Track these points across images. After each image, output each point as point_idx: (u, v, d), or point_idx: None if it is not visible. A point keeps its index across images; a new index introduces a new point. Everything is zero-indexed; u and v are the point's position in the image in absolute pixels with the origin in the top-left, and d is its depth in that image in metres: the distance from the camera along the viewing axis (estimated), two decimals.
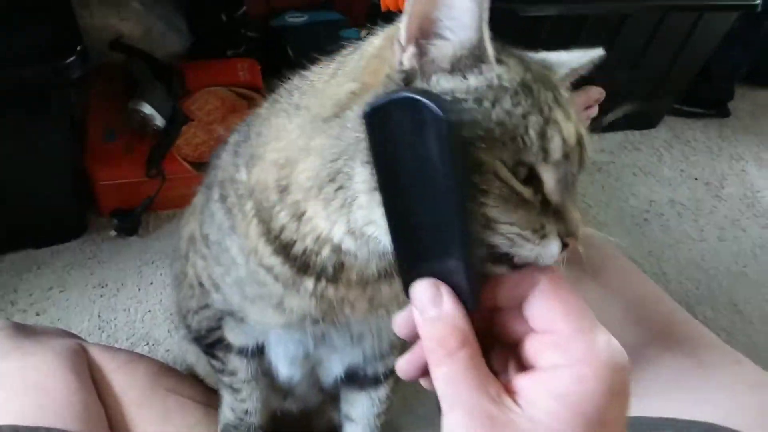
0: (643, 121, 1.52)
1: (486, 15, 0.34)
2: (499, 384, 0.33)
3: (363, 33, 1.55)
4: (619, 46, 1.26)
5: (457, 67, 0.36)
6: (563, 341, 0.34)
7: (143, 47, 1.28)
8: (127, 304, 1.05)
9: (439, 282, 0.35)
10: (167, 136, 1.15)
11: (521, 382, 0.34)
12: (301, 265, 0.47)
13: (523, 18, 1.13)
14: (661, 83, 1.41)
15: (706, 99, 1.55)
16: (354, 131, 0.39)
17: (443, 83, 0.36)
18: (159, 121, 1.14)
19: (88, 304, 1.04)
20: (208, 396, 0.75)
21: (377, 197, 0.37)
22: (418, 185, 0.34)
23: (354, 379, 0.68)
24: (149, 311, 1.04)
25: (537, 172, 0.36)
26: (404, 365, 0.38)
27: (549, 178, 0.36)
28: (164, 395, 0.68)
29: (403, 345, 0.56)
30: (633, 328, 0.83)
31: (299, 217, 0.45)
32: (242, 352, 0.63)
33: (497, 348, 0.37)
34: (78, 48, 0.89)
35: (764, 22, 1.40)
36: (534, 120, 0.36)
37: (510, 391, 0.33)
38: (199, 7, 1.39)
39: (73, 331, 0.88)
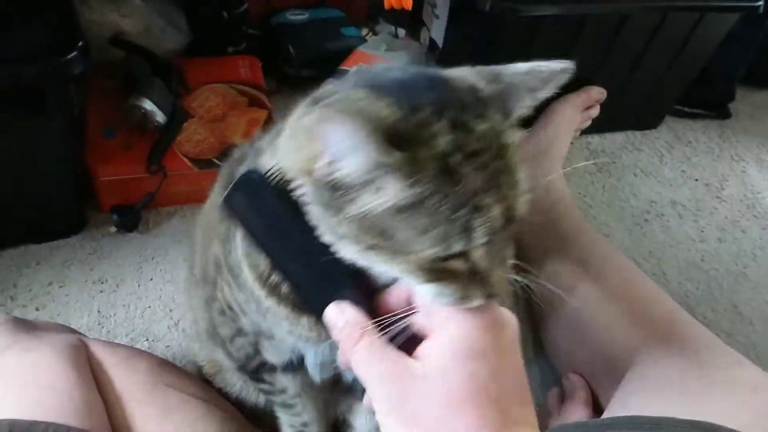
0: (644, 121, 1.52)
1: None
2: (400, 353, 0.41)
3: (364, 31, 1.56)
4: (619, 46, 1.26)
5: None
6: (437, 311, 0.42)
7: (143, 44, 1.27)
8: (126, 300, 1.05)
9: (340, 301, 0.44)
10: (168, 133, 1.14)
11: (419, 349, 0.42)
12: (294, 304, 0.49)
13: (522, 18, 1.13)
14: (661, 84, 1.41)
15: (707, 100, 1.55)
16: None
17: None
18: (160, 117, 1.13)
19: (88, 299, 1.04)
20: (210, 392, 0.75)
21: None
22: (287, 244, 0.44)
23: (356, 387, 0.69)
24: (149, 307, 1.04)
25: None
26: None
27: (475, 254, 0.39)
28: (165, 391, 0.68)
29: None
30: (633, 328, 0.83)
31: None
32: (286, 368, 0.63)
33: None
34: (79, 44, 0.88)
35: (764, 23, 1.39)
36: (450, 213, 0.36)
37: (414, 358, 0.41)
38: (199, 3, 1.39)
39: (73, 327, 0.88)
